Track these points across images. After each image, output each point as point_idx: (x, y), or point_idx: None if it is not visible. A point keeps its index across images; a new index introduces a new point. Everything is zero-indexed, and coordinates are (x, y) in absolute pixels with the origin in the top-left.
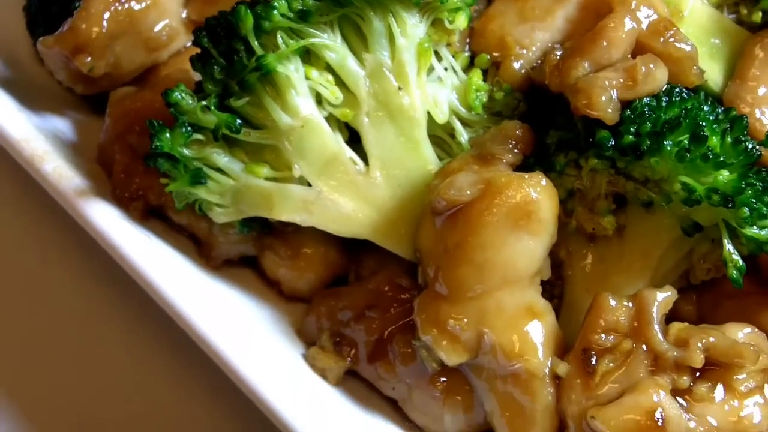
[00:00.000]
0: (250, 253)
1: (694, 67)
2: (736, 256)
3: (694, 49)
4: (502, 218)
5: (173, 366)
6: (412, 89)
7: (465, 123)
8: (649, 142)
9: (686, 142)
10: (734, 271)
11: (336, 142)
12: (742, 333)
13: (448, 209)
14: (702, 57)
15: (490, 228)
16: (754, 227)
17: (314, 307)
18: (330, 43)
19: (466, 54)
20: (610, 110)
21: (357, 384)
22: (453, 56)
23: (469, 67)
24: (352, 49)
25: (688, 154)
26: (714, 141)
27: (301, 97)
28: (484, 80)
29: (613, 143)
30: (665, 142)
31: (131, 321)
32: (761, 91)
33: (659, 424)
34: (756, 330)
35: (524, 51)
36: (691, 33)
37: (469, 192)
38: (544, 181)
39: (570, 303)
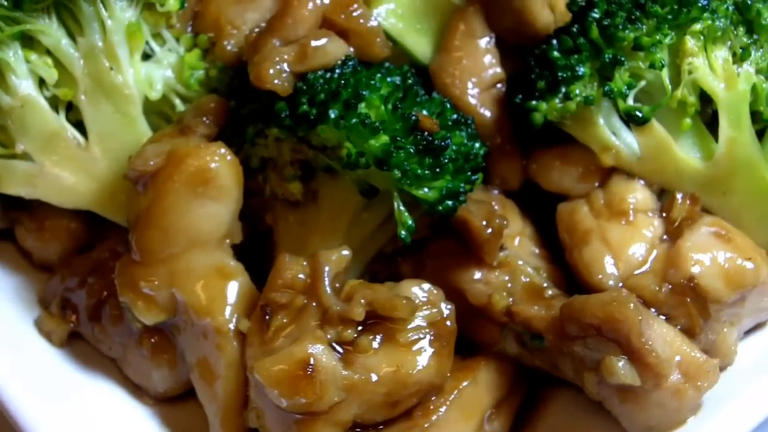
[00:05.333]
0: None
1: (378, 40)
2: (405, 217)
3: (377, 24)
4: (182, 185)
5: None
6: (124, 69)
7: (185, 99)
8: (315, 111)
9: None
10: (402, 231)
11: (56, 120)
12: (418, 288)
13: (140, 178)
14: (410, 32)
15: (171, 194)
16: (424, 188)
17: (53, 275)
18: (44, 27)
19: (189, 35)
20: (278, 82)
21: (87, 347)
22: (177, 37)
23: (194, 47)
24: (71, 33)
25: (342, 121)
26: (381, 110)
27: (20, 79)
28: (206, 59)
29: (288, 113)
30: (329, 111)
31: None
32: (463, 61)
33: (309, 372)
34: (432, 287)
35: (235, 31)
36: (399, 9)
37: (152, 162)
38: (222, 150)
39: None
